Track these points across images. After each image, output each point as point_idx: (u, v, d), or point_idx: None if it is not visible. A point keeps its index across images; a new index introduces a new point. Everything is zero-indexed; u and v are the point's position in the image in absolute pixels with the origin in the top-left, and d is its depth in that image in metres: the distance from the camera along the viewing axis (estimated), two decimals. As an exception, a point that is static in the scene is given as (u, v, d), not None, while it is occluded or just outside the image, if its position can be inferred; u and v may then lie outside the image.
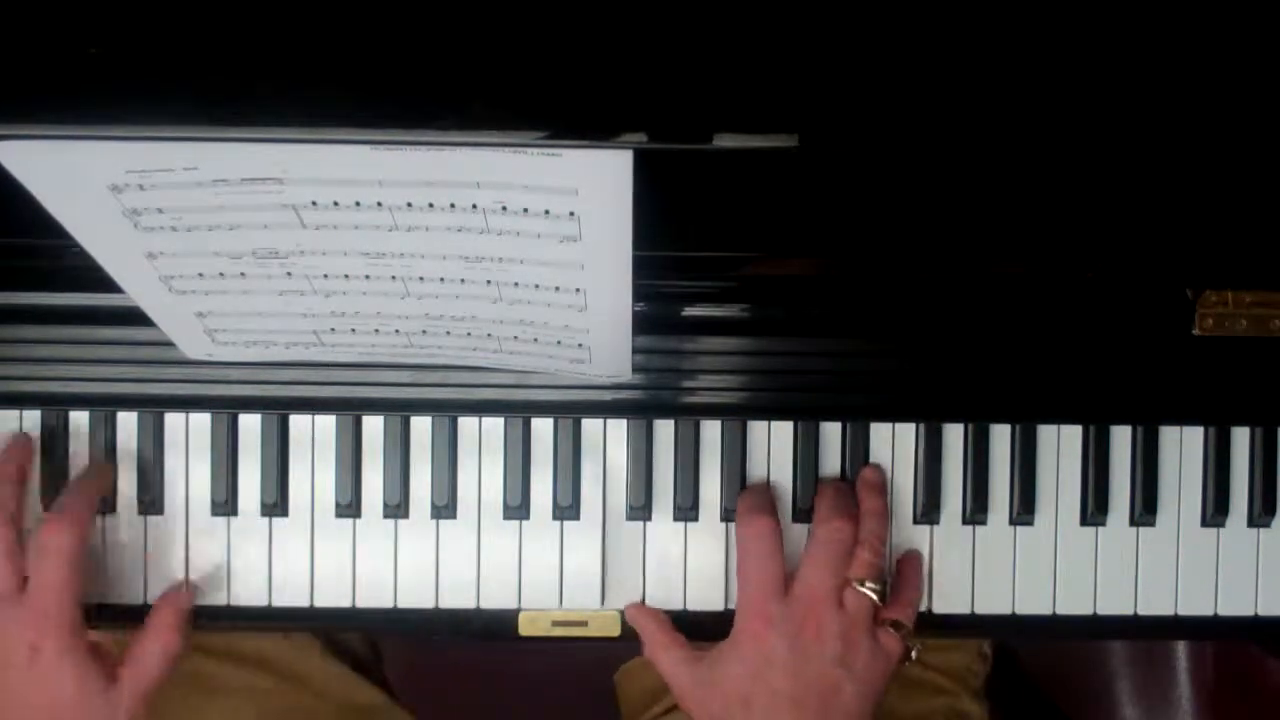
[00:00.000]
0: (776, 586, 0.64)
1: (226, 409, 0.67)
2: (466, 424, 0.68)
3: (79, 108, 0.46)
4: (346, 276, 0.54)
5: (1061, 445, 0.70)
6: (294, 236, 0.51)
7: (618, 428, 0.69)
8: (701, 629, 0.68)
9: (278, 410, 0.68)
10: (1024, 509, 0.70)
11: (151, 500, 0.68)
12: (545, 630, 0.68)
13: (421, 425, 0.68)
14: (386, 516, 0.69)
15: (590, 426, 0.69)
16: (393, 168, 0.47)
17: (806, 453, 0.69)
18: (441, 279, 0.54)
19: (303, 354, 0.62)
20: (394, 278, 0.54)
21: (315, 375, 0.66)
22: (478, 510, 0.69)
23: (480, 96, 0.46)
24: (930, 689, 0.81)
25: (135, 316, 0.58)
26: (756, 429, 0.69)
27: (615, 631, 0.69)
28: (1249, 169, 0.55)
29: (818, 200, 0.56)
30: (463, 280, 0.54)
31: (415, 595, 0.69)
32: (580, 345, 0.59)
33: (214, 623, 0.68)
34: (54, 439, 0.67)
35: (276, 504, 0.68)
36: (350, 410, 0.68)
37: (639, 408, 0.68)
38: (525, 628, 0.69)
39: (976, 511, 0.70)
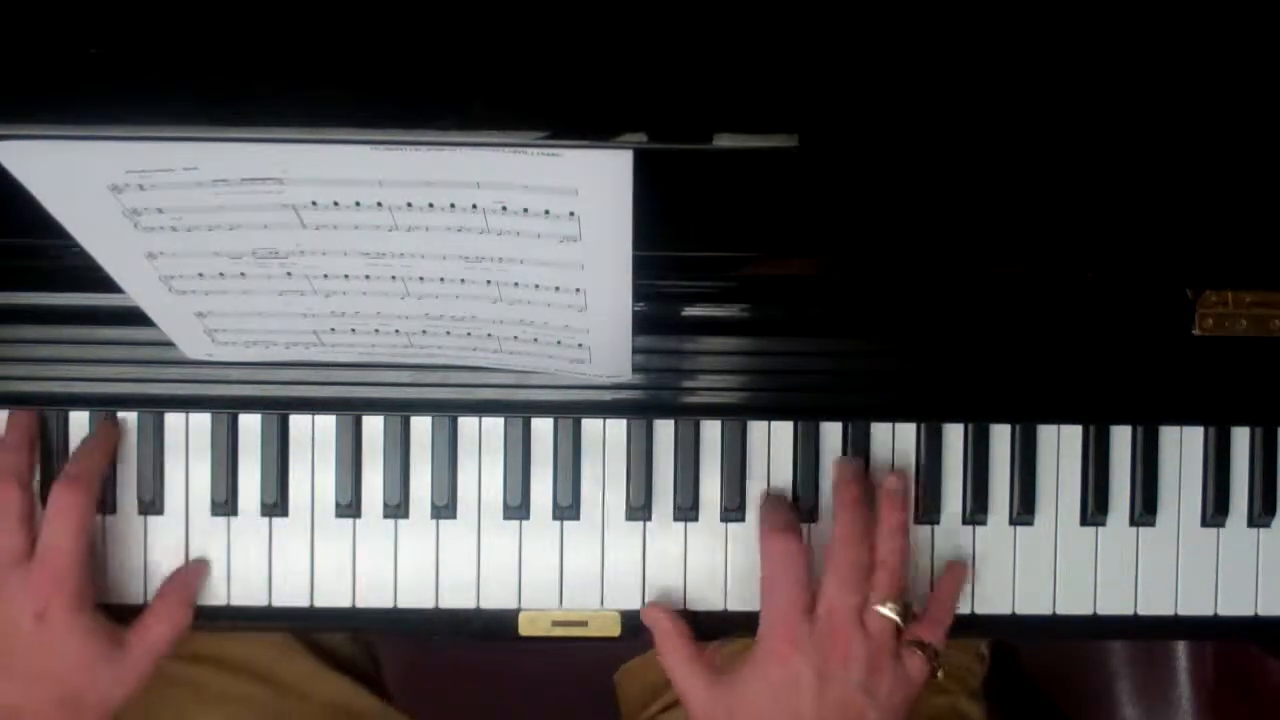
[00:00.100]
0: (802, 608, 0.63)
1: (226, 409, 0.67)
2: (466, 424, 0.69)
3: (79, 108, 0.46)
4: (346, 276, 0.54)
5: (1061, 445, 0.70)
6: (294, 236, 0.51)
7: (618, 428, 0.69)
8: (701, 629, 0.68)
9: (278, 410, 0.68)
10: (1024, 509, 0.70)
11: (151, 500, 0.68)
12: (545, 630, 0.68)
13: (421, 425, 0.68)
14: (386, 516, 0.69)
15: (590, 426, 0.69)
16: (393, 168, 0.47)
17: (806, 453, 0.69)
18: (441, 279, 0.54)
19: (303, 354, 0.62)
20: (394, 278, 0.54)
21: (315, 375, 0.66)
22: (478, 510, 0.69)
23: (480, 96, 0.46)
24: (929, 689, 0.81)
25: (135, 316, 0.58)
26: (756, 429, 0.69)
27: (615, 631, 0.69)
28: (1249, 169, 0.55)
29: (818, 200, 0.56)
30: (463, 280, 0.54)
31: (415, 595, 0.69)
32: (580, 345, 0.59)
33: (214, 622, 0.68)
34: (54, 439, 0.68)
35: (276, 504, 0.68)
36: (350, 410, 0.68)
37: (639, 408, 0.68)
38: (525, 628, 0.69)
39: (976, 511, 0.70)
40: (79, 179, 0.47)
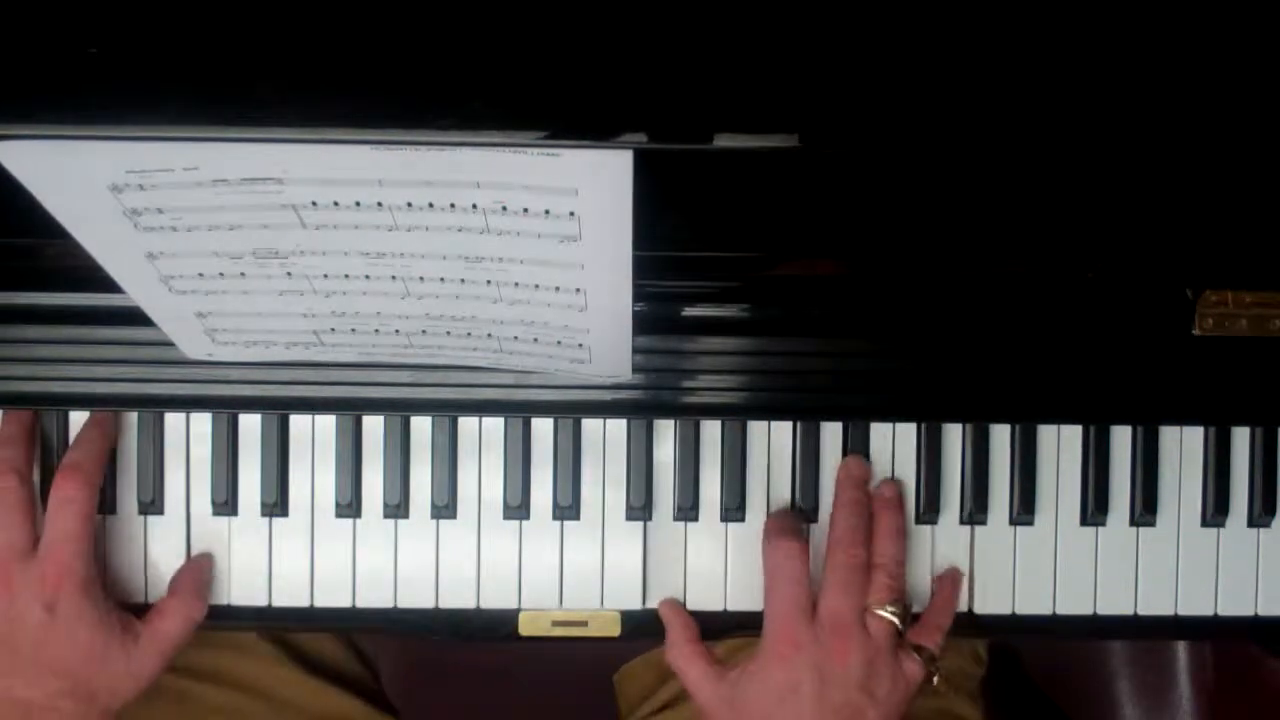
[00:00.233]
0: (804, 609, 0.64)
1: (226, 409, 0.67)
2: (466, 424, 0.69)
3: (79, 108, 0.46)
4: (346, 276, 0.54)
5: (1061, 445, 0.70)
6: (294, 236, 0.51)
7: (618, 428, 0.69)
8: (701, 629, 0.68)
9: (278, 410, 0.68)
10: (1024, 509, 0.70)
11: (151, 500, 0.68)
12: (545, 630, 0.68)
13: (421, 425, 0.68)
14: (386, 516, 0.69)
15: (590, 426, 0.69)
16: (393, 168, 0.47)
17: (806, 453, 0.69)
18: (441, 279, 0.54)
19: (303, 354, 0.62)
20: (394, 278, 0.54)
21: (315, 375, 0.66)
22: (478, 510, 0.69)
23: (480, 96, 0.46)
24: (924, 691, 0.81)
25: (135, 316, 0.58)
26: (756, 429, 0.69)
27: (615, 631, 0.69)
28: (1248, 169, 0.55)
29: (818, 200, 0.56)
30: (463, 280, 0.54)
31: (415, 595, 0.69)
32: (580, 345, 0.59)
33: (214, 622, 0.68)
34: (54, 439, 0.68)
35: (276, 504, 0.68)
36: (350, 410, 0.68)
37: (639, 408, 0.67)
38: (525, 628, 0.69)
39: (976, 511, 0.70)
40: (79, 179, 0.47)
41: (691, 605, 0.69)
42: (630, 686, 0.87)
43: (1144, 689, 1.02)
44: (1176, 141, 0.51)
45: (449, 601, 0.69)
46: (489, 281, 0.54)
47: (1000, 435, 0.70)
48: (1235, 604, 0.70)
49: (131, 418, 0.68)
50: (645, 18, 0.47)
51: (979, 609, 0.70)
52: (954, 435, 0.70)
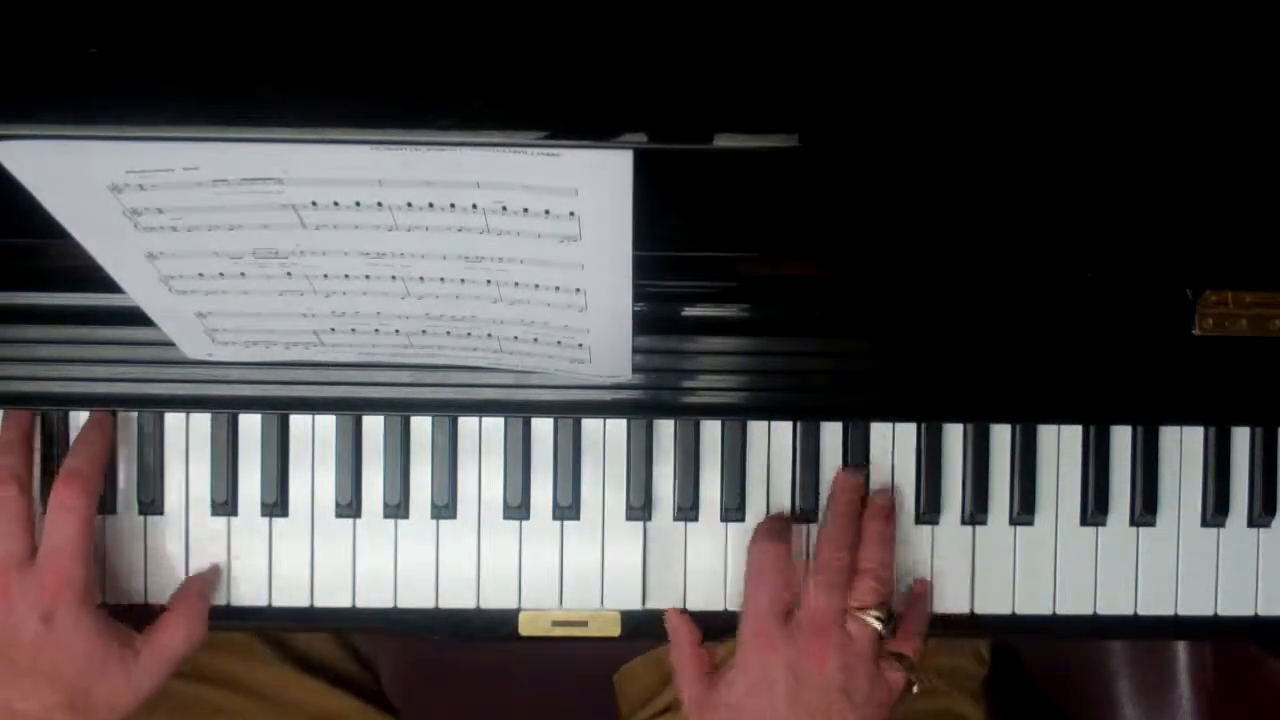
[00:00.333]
0: (780, 608, 0.64)
1: (226, 409, 0.67)
2: (466, 424, 0.69)
3: (79, 108, 0.46)
4: (346, 276, 0.54)
5: (1061, 445, 0.70)
6: (294, 236, 0.51)
7: (618, 428, 0.69)
8: (702, 629, 0.68)
9: (278, 410, 0.68)
10: (1024, 509, 0.70)
11: (151, 500, 0.68)
12: (545, 630, 0.68)
13: (421, 425, 0.68)
14: (386, 516, 0.69)
15: (590, 426, 0.69)
16: (393, 168, 0.47)
17: (806, 453, 0.69)
18: (442, 279, 0.54)
19: (303, 354, 0.62)
20: (394, 278, 0.54)
21: (315, 375, 0.66)
22: (478, 510, 0.69)
23: (480, 96, 0.46)
24: (925, 691, 0.81)
25: (135, 316, 0.58)
26: (756, 429, 0.69)
27: (615, 631, 0.69)
28: (1248, 169, 0.55)
29: (818, 200, 0.56)
30: (463, 280, 0.54)
31: (415, 595, 0.69)
32: (580, 345, 0.59)
33: (214, 623, 0.67)
34: (54, 439, 0.67)
35: (276, 504, 0.68)
36: (350, 410, 0.68)
37: (639, 408, 0.67)
38: (525, 628, 0.69)
39: (976, 511, 0.70)
40: (79, 179, 0.47)
41: (691, 605, 0.69)
42: (630, 686, 0.87)
43: (1144, 689, 1.02)
44: (1176, 142, 0.51)
45: (449, 601, 0.69)
46: (489, 281, 0.54)
47: (1000, 435, 0.70)
48: (1235, 604, 0.70)
49: (131, 418, 0.68)
50: (645, 17, 0.47)
51: (979, 609, 0.70)
52: (954, 435, 0.70)
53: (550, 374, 0.65)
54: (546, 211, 0.49)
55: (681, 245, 0.57)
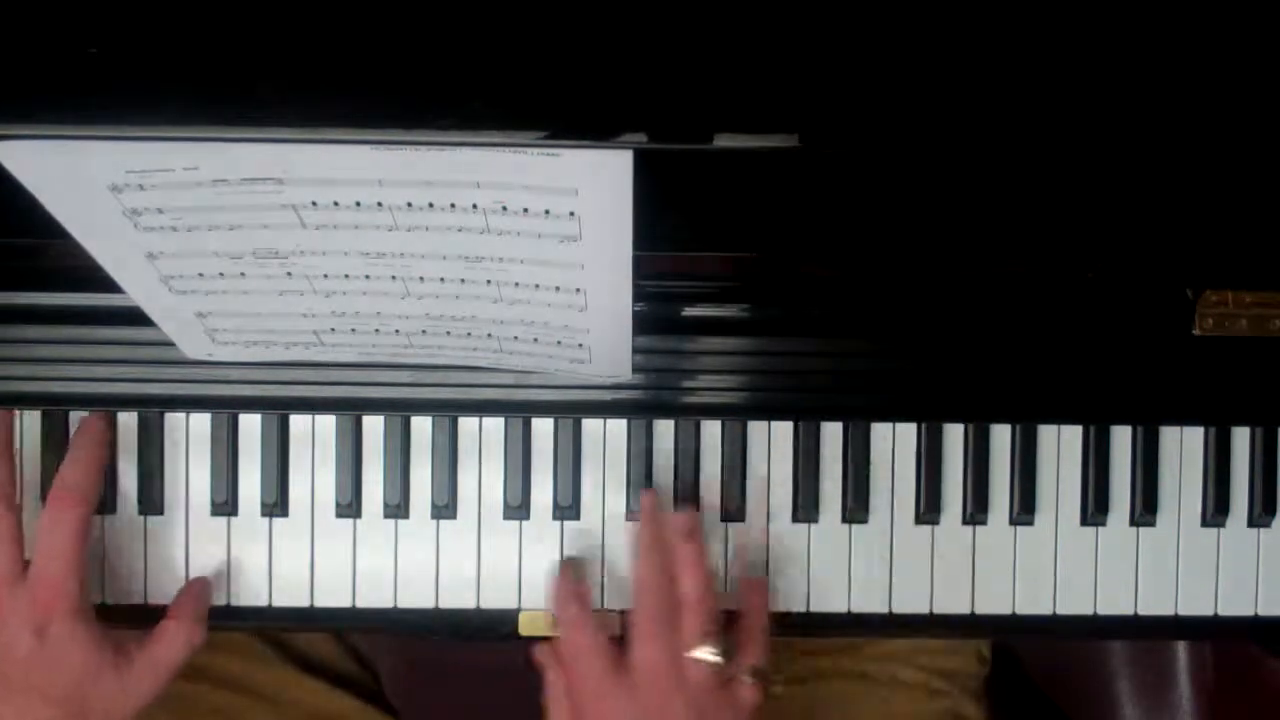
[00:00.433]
0: (603, 672, 0.62)
1: (226, 409, 0.67)
2: (466, 424, 0.69)
3: (79, 108, 0.46)
4: (347, 276, 0.54)
5: (1061, 445, 0.70)
6: (294, 236, 0.51)
7: (618, 428, 0.69)
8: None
9: (278, 410, 0.68)
10: (1024, 509, 0.70)
11: (151, 500, 0.68)
12: (545, 630, 0.68)
13: (421, 425, 0.68)
14: (386, 516, 0.69)
15: (590, 426, 0.69)
16: (393, 167, 0.47)
17: (806, 453, 0.69)
18: (442, 279, 0.54)
19: (303, 354, 0.62)
20: (394, 278, 0.54)
21: (315, 375, 0.66)
22: (478, 510, 0.69)
23: (480, 96, 0.46)
24: (927, 691, 0.81)
25: (135, 316, 0.58)
26: (756, 429, 0.69)
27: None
28: (1249, 169, 0.55)
29: (818, 200, 0.56)
30: (463, 280, 0.54)
31: (415, 595, 0.69)
32: (580, 345, 0.59)
33: (214, 623, 0.67)
34: (54, 439, 0.67)
35: (276, 504, 0.68)
36: (350, 410, 0.68)
37: (639, 408, 0.68)
38: (525, 628, 0.69)
39: (976, 511, 0.70)
40: (79, 179, 0.47)
41: (691, 605, 0.69)
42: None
43: (1144, 689, 1.02)
44: (1176, 142, 0.51)
45: (449, 601, 0.69)
46: (489, 281, 0.54)
47: (1000, 435, 0.70)
48: (1235, 604, 0.70)
49: (131, 418, 0.68)
50: (645, 17, 0.47)
51: (979, 609, 0.70)
52: (954, 435, 0.70)
53: (550, 374, 0.65)
54: (546, 211, 0.49)
55: (681, 245, 0.57)
